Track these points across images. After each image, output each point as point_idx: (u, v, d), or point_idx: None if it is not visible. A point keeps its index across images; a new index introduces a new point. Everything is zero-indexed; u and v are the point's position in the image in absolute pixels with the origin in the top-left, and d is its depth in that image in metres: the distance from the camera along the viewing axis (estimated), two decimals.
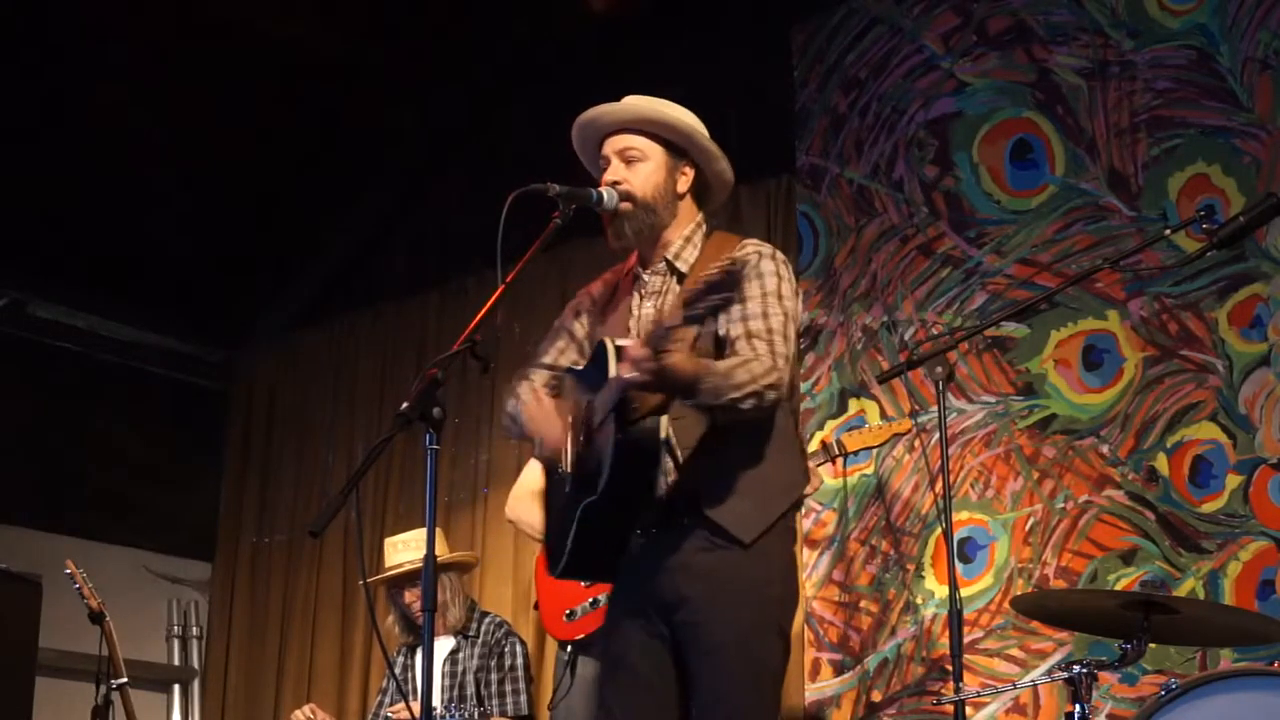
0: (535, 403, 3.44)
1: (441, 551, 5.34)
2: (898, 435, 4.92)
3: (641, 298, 3.49)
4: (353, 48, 6.50)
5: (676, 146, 3.48)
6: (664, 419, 3.22)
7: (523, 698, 5.11)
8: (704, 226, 3.52)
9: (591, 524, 3.29)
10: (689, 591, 3.27)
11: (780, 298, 3.36)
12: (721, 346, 3.32)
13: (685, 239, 3.48)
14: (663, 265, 3.48)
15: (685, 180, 3.49)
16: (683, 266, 3.45)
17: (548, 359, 3.61)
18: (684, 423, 3.26)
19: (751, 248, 3.43)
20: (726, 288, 2.89)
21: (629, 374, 3.07)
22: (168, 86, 6.42)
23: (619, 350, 3.23)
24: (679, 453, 3.28)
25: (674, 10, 6.11)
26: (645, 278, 3.51)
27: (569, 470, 3.37)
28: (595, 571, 3.60)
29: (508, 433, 3.60)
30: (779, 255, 3.45)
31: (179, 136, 6.59)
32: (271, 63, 6.42)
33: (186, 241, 7.00)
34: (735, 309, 3.29)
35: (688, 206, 3.51)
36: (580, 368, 3.49)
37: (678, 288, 3.43)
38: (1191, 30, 4.83)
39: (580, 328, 3.60)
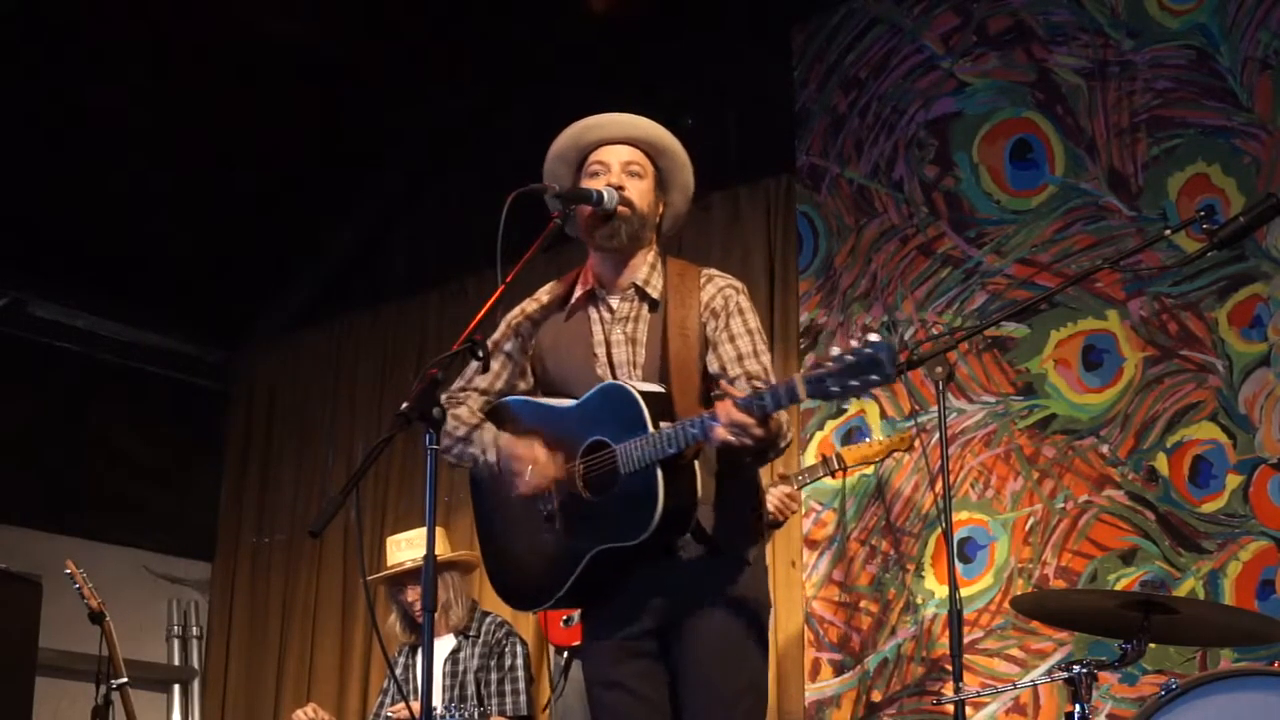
0: (518, 438, 3.38)
1: (443, 551, 5.33)
2: (896, 451, 4.92)
3: (606, 323, 3.44)
4: (353, 48, 6.50)
5: (662, 176, 3.49)
6: (696, 463, 3.22)
7: (522, 698, 5.10)
8: (661, 254, 3.52)
9: (603, 566, 3.27)
10: (682, 605, 3.28)
11: (760, 334, 3.41)
12: (708, 380, 3.33)
13: (650, 265, 3.47)
14: (631, 291, 3.45)
15: (659, 210, 3.51)
16: (653, 293, 3.43)
17: (482, 384, 3.52)
18: (702, 460, 3.25)
19: (721, 281, 3.46)
20: (870, 370, 2.79)
21: (729, 437, 3.03)
22: (168, 86, 6.42)
23: (654, 402, 3.20)
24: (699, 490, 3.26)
25: (674, 10, 6.10)
26: (611, 301, 3.46)
27: (556, 509, 3.33)
28: (581, 602, 3.52)
29: (455, 457, 3.47)
30: (743, 286, 3.49)
31: (179, 136, 6.59)
32: (271, 63, 6.42)
33: (186, 241, 7.00)
34: (727, 348, 3.34)
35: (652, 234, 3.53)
36: (565, 404, 3.40)
37: (648, 314, 3.42)
38: (1191, 30, 4.83)
39: (519, 350, 3.53)
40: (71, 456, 7.09)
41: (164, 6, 6.07)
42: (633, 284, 3.45)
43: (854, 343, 2.81)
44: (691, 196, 3.57)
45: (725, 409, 3.03)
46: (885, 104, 5.47)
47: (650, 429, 3.16)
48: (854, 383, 2.81)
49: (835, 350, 2.86)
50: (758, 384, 3.26)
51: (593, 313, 3.47)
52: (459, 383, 3.53)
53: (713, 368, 3.35)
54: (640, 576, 3.31)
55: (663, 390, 3.27)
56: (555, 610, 3.62)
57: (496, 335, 3.54)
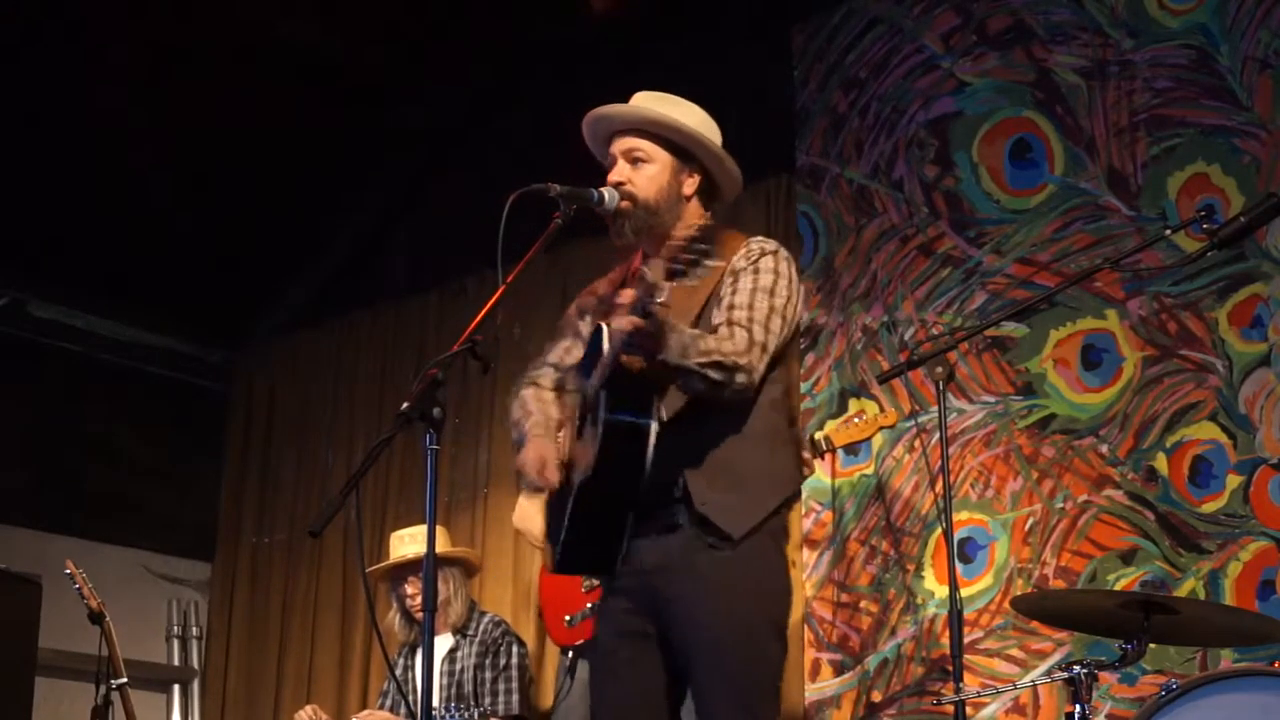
0: (533, 443, 3.46)
1: (444, 546, 5.33)
2: (884, 429, 4.91)
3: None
4: (353, 48, 6.50)
5: (683, 150, 3.48)
6: (654, 399, 3.23)
7: (515, 698, 5.09)
8: (714, 225, 3.53)
9: (587, 508, 3.28)
10: (681, 591, 3.28)
11: (770, 293, 3.37)
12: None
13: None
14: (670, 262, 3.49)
15: (691, 184, 3.50)
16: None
17: (553, 358, 3.64)
18: (668, 404, 3.26)
19: (755, 244, 3.46)
20: (704, 242, 2.98)
21: (619, 327, 3.06)
22: (168, 86, 6.42)
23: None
24: (654, 438, 3.26)
25: (674, 10, 6.11)
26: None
27: (562, 475, 3.39)
28: (590, 563, 3.53)
29: (515, 437, 3.60)
30: (782, 253, 3.46)
31: (179, 136, 6.59)
32: (271, 63, 6.42)
33: (186, 241, 7.00)
34: (727, 300, 3.35)
35: (694, 208, 3.52)
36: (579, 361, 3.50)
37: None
38: (1191, 30, 4.83)
39: (585, 327, 3.61)
40: (71, 456, 7.09)
41: (164, 6, 6.07)
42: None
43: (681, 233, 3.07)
44: (725, 157, 3.53)
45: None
46: (885, 104, 5.47)
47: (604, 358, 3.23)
48: (689, 256, 2.99)
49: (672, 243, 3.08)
50: (735, 327, 3.29)
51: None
52: (539, 358, 3.66)
53: (715, 321, 3.36)
54: (637, 547, 3.32)
55: None
56: (569, 572, 3.69)
57: (569, 312, 3.66)
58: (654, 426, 3.23)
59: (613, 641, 3.39)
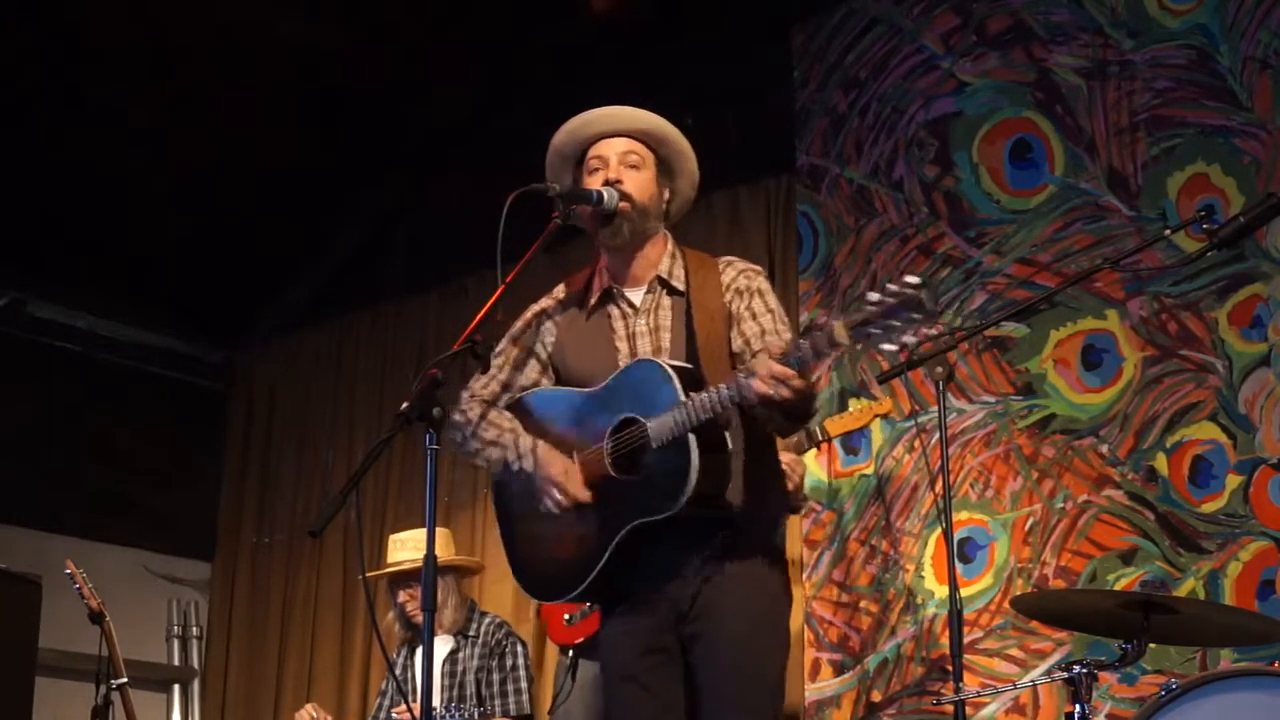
0: (554, 456, 3.37)
1: (447, 553, 5.33)
2: (880, 416, 4.90)
3: (629, 316, 3.46)
4: (353, 48, 6.50)
5: (665, 165, 3.50)
6: (727, 435, 3.24)
7: (524, 697, 5.10)
8: (677, 243, 3.55)
9: (633, 547, 3.26)
10: (710, 592, 3.29)
11: (780, 315, 3.44)
12: (734, 358, 3.36)
13: (670, 256, 3.50)
14: (655, 283, 3.47)
15: (665, 198, 3.52)
16: (677, 284, 3.46)
17: (505, 378, 3.52)
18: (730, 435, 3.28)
19: (741, 265, 3.50)
20: (912, 308, 2.78)
21: (767, 390, 3.02)
22: (168, 86, 6.42)
23: (684, 375, 3.22)
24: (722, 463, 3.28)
25: (674, 10, 6.11)
26: (631, 296, 3.48)
27: (583, 499, 3.33)
28: (608, 590, 3.42)
29: (483, 460, 3.47)
30: (763, 271, 3.54)
31: (179, 136, 6.59)
32: (271, 63, 6.42)
33: (186, 241, 7.00)
34: (750, 325, 3.37)
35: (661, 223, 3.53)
36: (591, 389, 3.40)
37: (668, 301, 3.44)
38: (1191, 30, 4.83)
39: (541, 346, 3.54)
40: (71, 456, 7.09)
41: (164, 6, 6.07)
42: (656, 276, 3.47)
43: (892, 285, 2.79)
44: (697, 182, 3.57)
45: (763, 362, 3.04)
46: (885, 104, 5.47)
47: (682, 399, 3.18)
48: (896, 322, 2.80)
49: (874, 295, 2.86)
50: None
51: (613, 309, 3.49)
52: (480, 381, 3.51)
53: (736, 345, 3.38)
54: (663, 563, 3.30)
55: (690, 366, 3.28)
56: (581, 600, 3.64)
57: (517, 331, 3.55)
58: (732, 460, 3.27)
59: (639, 659, 3.34)
